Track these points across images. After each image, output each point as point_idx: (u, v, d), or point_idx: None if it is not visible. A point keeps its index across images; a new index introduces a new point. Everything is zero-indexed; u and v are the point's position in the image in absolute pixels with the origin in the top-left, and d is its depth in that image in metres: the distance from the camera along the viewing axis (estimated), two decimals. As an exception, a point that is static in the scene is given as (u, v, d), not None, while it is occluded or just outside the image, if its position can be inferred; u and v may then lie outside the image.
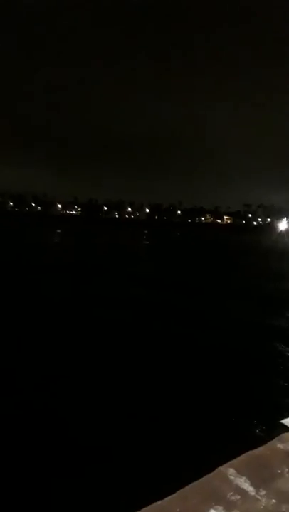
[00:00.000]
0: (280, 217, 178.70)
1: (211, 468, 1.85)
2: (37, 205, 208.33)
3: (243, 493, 1.71)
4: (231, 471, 1.81)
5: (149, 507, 1.59)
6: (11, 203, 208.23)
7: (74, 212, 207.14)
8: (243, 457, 1.88)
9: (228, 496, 1.68)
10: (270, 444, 1.94)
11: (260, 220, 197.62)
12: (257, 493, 1.72)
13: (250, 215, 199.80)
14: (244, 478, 1.79)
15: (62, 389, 10.36)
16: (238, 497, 1.69)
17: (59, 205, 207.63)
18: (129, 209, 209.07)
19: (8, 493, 6.44)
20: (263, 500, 1.69)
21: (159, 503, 1.61)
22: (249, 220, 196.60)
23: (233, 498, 1.68)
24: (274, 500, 1.69)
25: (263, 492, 1.73)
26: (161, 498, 1.60)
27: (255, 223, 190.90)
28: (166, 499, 1.62)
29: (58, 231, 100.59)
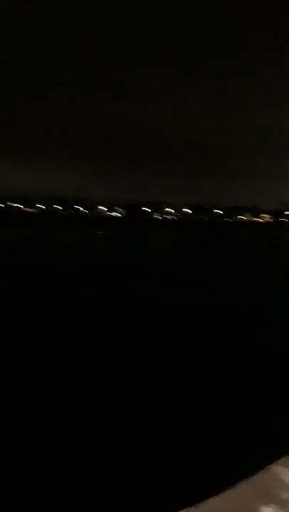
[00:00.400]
0: None
1: (262, 466, 1.88)
2: (82, 207, 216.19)
3: None
4: (283, 469, 1.82)
5: (202, 503, 1.61)
6: (55, 206, 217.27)
7: (116, 214, 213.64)
8: None
9: (281, 495, 1.67)
10: None
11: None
12: None
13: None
14: None
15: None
16: None
17: (103, 207, 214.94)
18: (169, 209, 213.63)
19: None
20: None
21: (211, 499, 1.63)
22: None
23: (285, 496, 1.66)
24: None
25: None
26: (214, 495, 1.64)
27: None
28: (219, 496, 1.65)
29: (101, 233, 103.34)
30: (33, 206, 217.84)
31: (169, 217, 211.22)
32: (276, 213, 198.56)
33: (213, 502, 1.59)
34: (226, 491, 1.63)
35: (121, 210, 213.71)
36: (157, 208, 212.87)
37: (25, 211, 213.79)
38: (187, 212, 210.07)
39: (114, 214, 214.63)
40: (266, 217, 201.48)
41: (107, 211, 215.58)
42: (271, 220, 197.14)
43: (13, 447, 7.51)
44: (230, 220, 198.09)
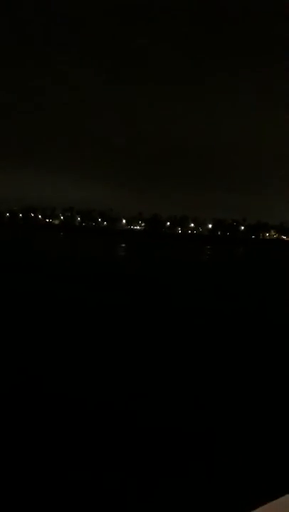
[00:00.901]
0: None
1: None
2: (103, 220, 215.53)
3: None
4: None
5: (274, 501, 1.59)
6: (78, 218, 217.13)
7: (138, 228, 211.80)
8: None
9: None
10: None
11: None
12: None
13: None
14: None
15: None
16: None
17: (124, 221, 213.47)
18: (192, 224, 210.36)
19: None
20: None
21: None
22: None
23: None
24: None
25: None
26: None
27: None
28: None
29: (123, 245, 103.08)
30: (54, 217, 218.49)
31: (191, 231, 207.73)
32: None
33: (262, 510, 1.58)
34: (255, 510, 1.65)
35: (143, 223, 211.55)
36: (180, 222, 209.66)
37: (47, 222, 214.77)
38: (211, 228, 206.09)
39: (135, 227, 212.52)
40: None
41: (128, 224, 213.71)
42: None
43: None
44: (256, 237, 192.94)
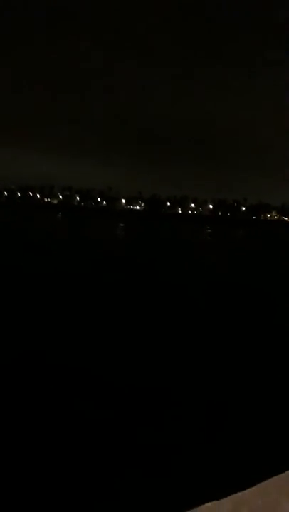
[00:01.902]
0: None
1: None
2: (102, 199, 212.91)
3: None
4: None
5: (230, 497, 1.59)
6: (77, 198, 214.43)
7: (137, 208, 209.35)
8: None
9: None
10: None
11: None
12: None
13: None
14: None
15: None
16: None
17: (123, 200, 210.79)
18: (193, 205, 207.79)
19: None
20: None
21: (240, 494, 1.61)
22: None
23: None
24: None
25: None
26: (242, 489, 1.62)
27: None
28: (247, 491, 1.62)
29: (122, 225, 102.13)
30: (53, 196, 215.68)
31: (192, 212, 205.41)
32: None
33: (239, 496, 1.59)
34: (254, 487, 1.63)
35: (142, 203, 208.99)
36: (180, 202, 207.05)
37: (45, 201, 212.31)
38: (211, 208, 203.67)
39: (135, 207, 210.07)
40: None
41: (128, 204, 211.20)
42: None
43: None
44: (257, 218, 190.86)
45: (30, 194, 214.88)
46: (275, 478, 1.71)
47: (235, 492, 1.59)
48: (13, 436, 7.81)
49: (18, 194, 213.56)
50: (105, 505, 6.24)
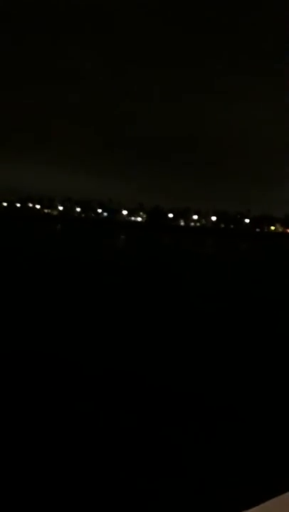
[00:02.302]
0: None
1: None
2: (103, 211, 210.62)
3: None
4: None
5: (253, 508, 1.58)
6: (78, 209, 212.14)
7: (139, 219, 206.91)
8: None
9: None
10: None
11: None
12: None
13: None
14: None
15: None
16: None
17: (124, 212, 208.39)
18: (195, 216, 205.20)
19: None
20: None
21: (262, 504, 1.60)
22: None
23: None
24: None
25: None
26: (244, 509, 1.60)
27: None
28: (249, 511, 1.60)
29: (123, 237, 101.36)
30: (52, 208, 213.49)
31: (194, 224, 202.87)
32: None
33: (264, 507, 1.58)
34: (257, 506, 1.63)
35: (144, 215, 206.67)
36: (183, 214, 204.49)
37: (44, 212, 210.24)
38: (214, 220, 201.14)
39: (136, 219, 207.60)
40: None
41: (129, 215, 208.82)
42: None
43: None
44: (260, 230, 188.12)
45: (30, 205, 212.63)
46: (276, 498, 1.69)
47: (238, 511, 1.60)
48: (12, 436, 7.81)
49: (18, 205, 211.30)
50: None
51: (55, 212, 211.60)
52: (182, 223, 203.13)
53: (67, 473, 6.79)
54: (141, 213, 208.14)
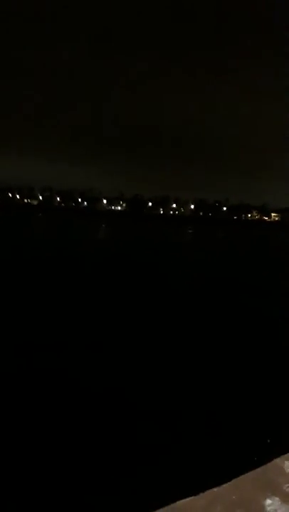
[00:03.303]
0: None
1: (267, 460, 1.87)
2: (83, 200, 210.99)
3: None
4: (287, 463, 1.80)
5: (206, 493, 1.59)
6: (58, 198, 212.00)
7: (119, 208, 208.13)
8: None
9: (285, 488, 1.66)
10: None
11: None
12: None
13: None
14: None
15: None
16: None
17: (104, 201, 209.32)
18: (174, 205, 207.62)
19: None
20: None
21: (215, 489, 1.62)
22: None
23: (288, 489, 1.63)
24: None
25: None
26: (217, 485, 1.62)
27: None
28: (222, 486, 1.63)
29: (103, 225, 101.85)
30: (32, 197, 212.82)
31: (173, 212, 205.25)
32: (286, 212, 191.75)
33: (215, 492, 1.60)
34: (229, 482, 1.65)
35: (124, 204, 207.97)
36: (162, 202, 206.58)
37: (25, 202, 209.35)
38: (193, 209, 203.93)
39: (116, 208, 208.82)
40: (276, 216, 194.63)
41: (109, 205, 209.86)
42: (280, 219, 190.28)
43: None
44: (238, 218, 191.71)
45: (10, 195, 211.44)
46: (249, 473, 1.72)
47: (211, 488, 1.60)
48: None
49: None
50: (83, 501, 6.25)
51: (35, 202, 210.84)
52: (161, 211, 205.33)
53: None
54: (121, 202, 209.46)
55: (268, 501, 1.58)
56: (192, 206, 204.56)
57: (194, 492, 1.58)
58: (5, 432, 7.90)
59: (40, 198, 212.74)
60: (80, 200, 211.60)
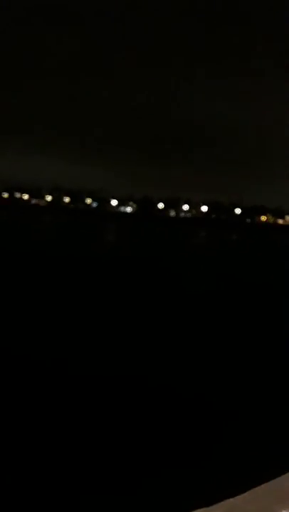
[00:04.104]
0: None
1: (283, 471, 1.87)
2: (92, 201, 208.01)
3: None
4: None
5: (221, 503, 1.58)
6: (67, 199, 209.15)
7: (129, 209, 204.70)
8: None
9: None
10: None
11: None
12: None
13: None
14: None
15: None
16: None
17: (114, 202, 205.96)
18: (186, 207, 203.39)
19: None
20: None
21: (231, 500, 1.60)
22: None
23: None
24: None
25: None
26: (233, 496, 1.61)
27: None
28: (238, 497, 1.61)
29: (113, 227, 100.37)
30: (40, 197, 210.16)
31: (185, 214, 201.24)
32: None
33: (230, 502, 1.57)
34: (245, 493, 1.62)
35: (134, 205, 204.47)
36: (173, 204, 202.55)
37: (33, 202, 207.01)
38: (205, 211, 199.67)
39: (126, 209, 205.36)
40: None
41: (118, 206, 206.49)
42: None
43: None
44: (252, 221, 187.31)
45: (18, 195, 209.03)
46: (266, 484, 1.70)
47: (227, 498, 1.58)
48: (12, 435, 7.72)
49: (5, 195, 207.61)
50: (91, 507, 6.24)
51: (43, 203, 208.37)
52: (173, 213, 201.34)
53: (66, 472, 6.83)
54: (131, 203, 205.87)
55: None
56: (204, 208, 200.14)
57: (209, 503, 1.57)
58: (5, 432, 7.84)
59: (49, 198, 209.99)
60: (89, 200, 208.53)
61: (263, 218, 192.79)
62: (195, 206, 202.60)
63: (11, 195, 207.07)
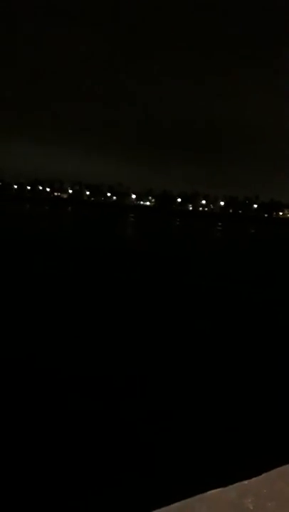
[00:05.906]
0: None
1: None
2: (112, 194, 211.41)
3: None
4: None
5: (235, 485, 1.60)
6: (87, 192, 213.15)
7: (148, 203, 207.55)
8: None
9: None
10: None
11: None
12: None
13: None
14: None
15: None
16: None
17: (133, 196, 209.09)
18: (204, 201, 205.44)
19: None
20: None
21: (245, 482, 1.62)
22: None
23: None
24: None
25: None
26: (247, 478, 1.64)
27: None
28: (252, 479, 1.64)
29: (132, 219, 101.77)
30: (62, 191, 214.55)
31: (203, 209, 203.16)
32: None
33: (245, 484, 1.60)
34: (259, 476, 1.65)
35: (153, 199, 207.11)
36: (191, 198, 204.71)
37: (55, 195, 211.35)
38: (223, 205, 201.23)
39: (145, 203, 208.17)
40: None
41: (138, 200, 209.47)
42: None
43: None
44: (269, 216, 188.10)
45: (40, 188, 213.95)
46: (280, 468, 1.73)
47: (241, 480, 1.61)
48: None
49: (28, 188, 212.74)
50: (107, 491, 6.36)
51: (64, 196, 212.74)
52: (190, 208, 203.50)
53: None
54: (150, 197, 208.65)
55: None
56: (222, 203, 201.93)
57: (223, 484, 1.61)
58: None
59: (70, 191, 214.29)
60: (108, 194, 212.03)
61: (280, 213, 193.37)
62: (212, 201, 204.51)
63: (34, 188, 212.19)
